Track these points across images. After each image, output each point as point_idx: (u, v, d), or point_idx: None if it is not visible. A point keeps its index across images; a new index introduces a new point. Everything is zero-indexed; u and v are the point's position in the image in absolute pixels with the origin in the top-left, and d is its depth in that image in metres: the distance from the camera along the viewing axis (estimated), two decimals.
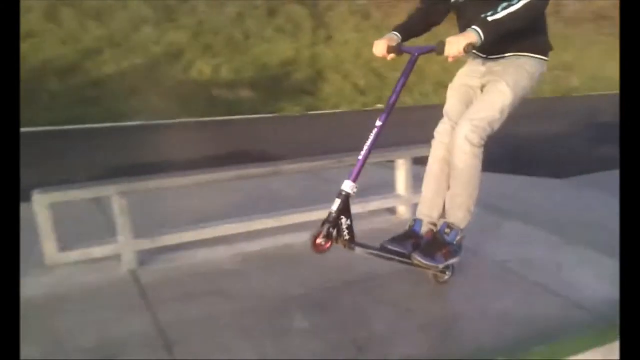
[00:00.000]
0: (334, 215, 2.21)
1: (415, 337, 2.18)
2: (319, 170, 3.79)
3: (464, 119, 2.35)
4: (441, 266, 2.41)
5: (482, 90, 2.47)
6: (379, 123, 2.27)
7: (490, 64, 2.47)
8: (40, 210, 2.58)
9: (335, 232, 2.22)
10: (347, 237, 2.25)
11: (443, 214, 2.50)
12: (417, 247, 2.43)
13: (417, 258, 2.34)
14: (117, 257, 2.78)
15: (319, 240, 2.21)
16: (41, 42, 8.86)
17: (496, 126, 2.37)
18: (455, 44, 2.15)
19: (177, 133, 7.73)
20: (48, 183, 2.78)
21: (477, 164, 2.37)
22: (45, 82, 8.01)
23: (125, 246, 2.74)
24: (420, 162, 3.63)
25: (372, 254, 2.35)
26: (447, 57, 2.17)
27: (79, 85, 8.35)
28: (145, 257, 2.84)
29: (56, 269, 2.69)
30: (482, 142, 2.34)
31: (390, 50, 2.44)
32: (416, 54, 2.36)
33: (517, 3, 2.15)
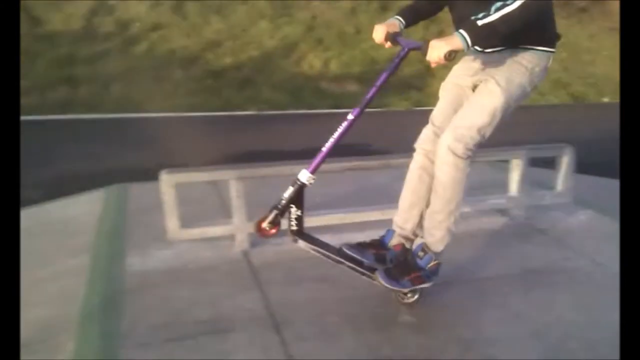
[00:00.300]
0: (283, 202, 2.13)
1: (525, 343, 2.09)
2: None
3: (449, 126, 2.12)
4: (406, 290, 2.23)
5: (474, 91, 2.21)
6: (350, 116, 2.13)
7: (484, 59, 2.20)
8: (166, 189, 2.79)
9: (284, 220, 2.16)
10: (293, 228, 2.17)
11: (420, 231, 2.30)
12: (379, 259, 2.27)
13: (380, 279, 2.15)
14: (231, 237, 2.93)
15: (264, 225, 2.16)
16: (168, 34, 9.51)
17: (487, 132, 2.11)
18: (437, 50, 1.92)
19: (286, 123, 7.97)
20: (167, 165, 2.98)
21: (461, 177, 2.11)
22: (170, 71, 8.60)
23: (239, 228, 2.89)
24: (535, 163, 3.49)
25: (317, 251, 2.21)
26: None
27: (200, 75, 8.87)
28: (257, 240, 2.97)
29: (177, 244, 2.90)
30: (469, 153, 2.08)
31: (387, 37, 2.23)
32: (406, 49, 2.11)
33: (512, 3, 1.89)
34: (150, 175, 3.41)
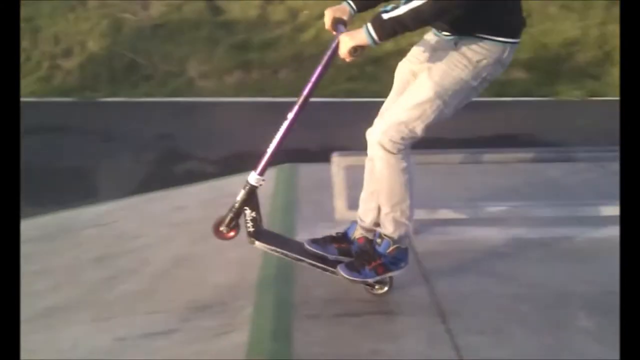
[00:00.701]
0: (236, 205, 2.12)
1: None
2: (610, 160, 3.43)
3: (381, 117, 2.04)
4: (371, 280, 2.14)
5: None
6: (290, 115, 2.04)
7: (436, 43, 2.02)
8: (336, 171, 2.90)
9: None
10: (250, 229, 2.15)
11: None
12: (343, 252, 2.23)
13: (341, 272, 2.11)
14: None
15: (221, 228, 2.16)
16: None
17: (417, 127, 1.96)
18: (344, 45, 1.83)
19: None
20: (329, 148, 3.08)
21: (393, 173, 2.00)
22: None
23: None
24: None
25: (276, 251, 2.19)
26: None
27: (361, 61, 8.94)
28: (420, 227, 2.96)
29: (343, 223, 2.99)
30: (398, 147, 1.96)
31: (332, 23, 2.04)
32: (336, 41, 1.93)
33: None
34: (314, 156, 3.57)
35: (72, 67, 8.50)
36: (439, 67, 1.95)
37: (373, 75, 8.81)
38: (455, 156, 3.06)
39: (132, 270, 2.84)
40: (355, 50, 1.84)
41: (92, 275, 2.91)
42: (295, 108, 2.06)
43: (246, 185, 2.14)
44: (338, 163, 2.89)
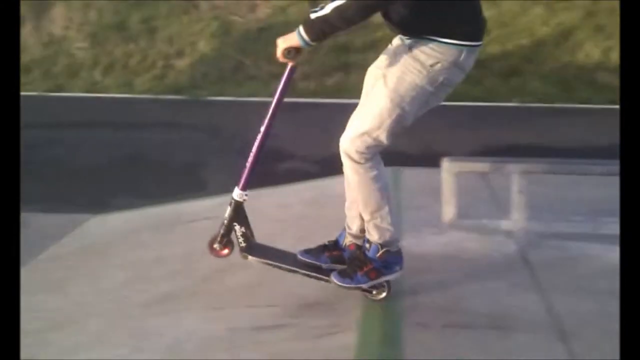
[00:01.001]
0: (225, 223, 2.14)
1: None
2: None
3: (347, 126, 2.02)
4: (365, 286, 2.14)
5: None
6: (262, 129, 2.08)
7: (396, 48, 2.00)
8: (447, 176, 2.84)
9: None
10: (242, 245, 2.16)
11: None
12: (336, 260, 2.23)
13: (334, 280, 2.12)
14: (506, 233, 2.84)
15: (214, 245, 2.20)
16: None
17: (381, 136, 1.94)
18: (278, 47, 1.88)
19: (553, 118, 7.40)
20: (429, 153, 3.00)
21: (363, 181, 2.01)
22: None
23: (518, 224, 2.78)
24: None
25: (269, 264, 2.21)
26: None
27: None
28: (535, 240, 2.82)
29: (450, 232, 2.93)
30: (366, 157, 1.96)
31: None
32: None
33: None
34: (412, 160, 3.50)
35: (183, 66, 8.99)
36: (394, 74, 1.95)
37: (476, 79, 8.55)
38: (586, 167, 2.89)
39: (242, 264, 2.91)
40: (289, 52, 1.88)
41: (204, 266, 3.03)
42: (266, 121, 2.11)
43: (231, 202, 2.18)
44: (449, 169, 2.83)
